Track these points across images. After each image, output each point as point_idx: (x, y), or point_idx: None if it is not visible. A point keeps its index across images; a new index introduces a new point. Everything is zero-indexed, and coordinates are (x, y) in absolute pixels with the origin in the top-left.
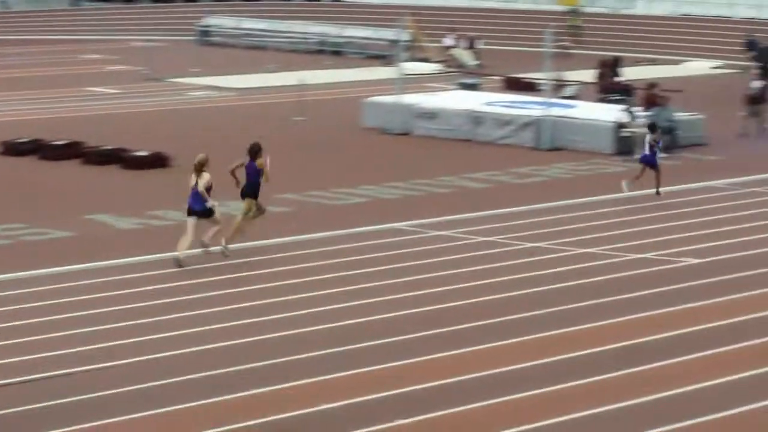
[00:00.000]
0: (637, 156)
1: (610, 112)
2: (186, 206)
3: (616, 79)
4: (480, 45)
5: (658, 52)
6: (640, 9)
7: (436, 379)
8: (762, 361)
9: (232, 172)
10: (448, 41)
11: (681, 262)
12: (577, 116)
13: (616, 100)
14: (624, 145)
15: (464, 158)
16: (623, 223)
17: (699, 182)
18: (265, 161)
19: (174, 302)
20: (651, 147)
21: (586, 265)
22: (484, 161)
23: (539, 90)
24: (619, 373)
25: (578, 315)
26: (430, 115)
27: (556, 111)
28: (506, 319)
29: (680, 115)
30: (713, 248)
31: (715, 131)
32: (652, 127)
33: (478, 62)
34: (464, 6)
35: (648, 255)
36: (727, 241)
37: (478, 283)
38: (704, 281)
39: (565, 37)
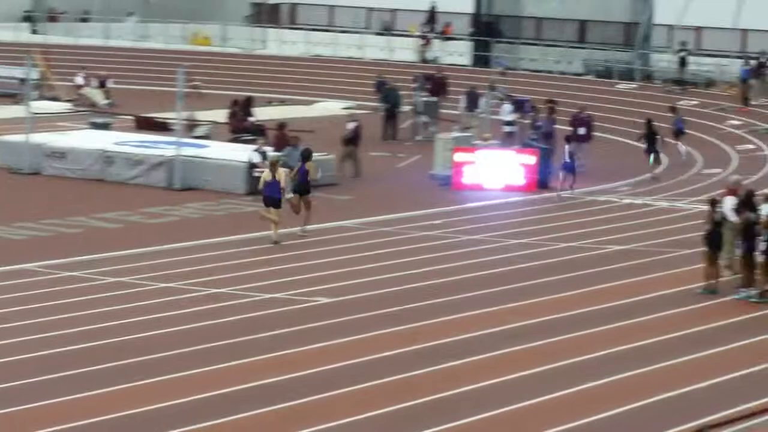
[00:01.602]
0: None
1: (243, 152)
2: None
3: (249, 119)
4: (111, 84)
5: (290, 92)
6: (272, 49)
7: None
8: (387, 400)
9: (294, 174)
10: (79, 80)
11: (313, 301)
12: (209, 156)
13: (248, 140)
14: (256, 185)
15: (95, 198)
16: (256, 262)
17: (331, 222)
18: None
19: None
20: (571, 155)
21: (217, 305)
22: (116, 201)
23: (171, 129)
24: (252, 413)
25: (207, 356)
26: (60, 154)
27: (188, 151)
28: (133, 361)
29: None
30: (345, 287)
31: (345, 171)
32: (569, 139)
33: (109, 101)
34: (95, 44)
35: (280, 294)
36: (358, 281)
37: (106, 324)
38: (335, 320)
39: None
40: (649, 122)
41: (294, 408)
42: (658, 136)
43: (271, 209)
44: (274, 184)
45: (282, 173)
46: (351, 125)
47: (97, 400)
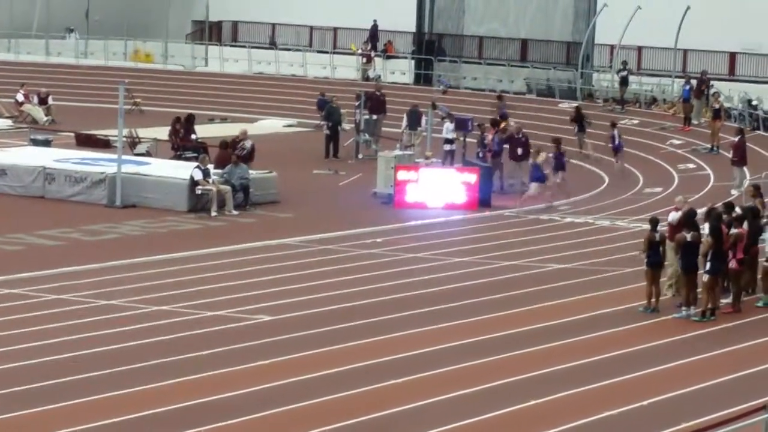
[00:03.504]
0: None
1: (184, 170)
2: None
3: (192, 136)
4: (51, 100)
5: (232, 110)
6: (214, 67)
7: None
8: (326, 419)
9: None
10: (20, 97)
11: (255, 319)
12: (150, 173)
13: (190, 157)
14: (198, 203)
15: (36, 215)
16: (198, 280)
17: (272, 239)
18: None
19: None
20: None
21: (159, 323)
22: (57, 218)
23: (112, 146)
24: (191, 431)
25: (150, 374)
26: (1, 171)
27: (129, 168)
28: (74, 378)
29: (254, 173)
30: (286, 305)
31: (287, 189)
32: (614, 124)
33: (50, 118)
34: (35, 61)
35: (222, 312)
36: (300, 299)
37: (45, 342)
38: (277, 338)
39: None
40: (578, 108)
41: (235, 426)
42: (586, 121)
43: (533, 185)
44: (535, 168)
45: (542, 157)
46: (248, 143)
47: (31, 419)
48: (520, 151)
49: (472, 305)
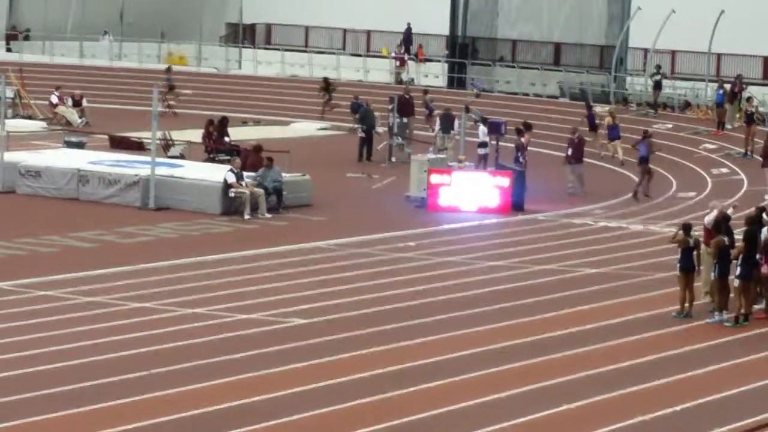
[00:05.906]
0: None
1: (218, 172)
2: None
3: (225, 139)
4: (85, 103)
5: (265, 112)
6: (247, 69)
7: None
8: (361, 423)
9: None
10: (54, 99)
11: (288, 322)
12: (183, 176)
13: (223, 160)
14: (231, 205)
15: (70, 217)
16: (231, 283)
17: (306, 243)
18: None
19: None
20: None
21: (192, 325)
22: (90, 220)
23: (146, 149)
24: None
25: (183, 377)
26: (35, 173)
27: (162, 170)
28: (109, 381)
29: (287, 176)
30: (320, 309)
31: (320, 192)
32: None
33: (84, 120)
34: (69, 63)
35: (255, 315)
36: (333, 302)
37: (80, 344)
38: (310, 342)
39: None
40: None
41: (270, 429)
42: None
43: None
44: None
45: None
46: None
47: (73, 420)
48: (570, 152)
49: (505, 309)
